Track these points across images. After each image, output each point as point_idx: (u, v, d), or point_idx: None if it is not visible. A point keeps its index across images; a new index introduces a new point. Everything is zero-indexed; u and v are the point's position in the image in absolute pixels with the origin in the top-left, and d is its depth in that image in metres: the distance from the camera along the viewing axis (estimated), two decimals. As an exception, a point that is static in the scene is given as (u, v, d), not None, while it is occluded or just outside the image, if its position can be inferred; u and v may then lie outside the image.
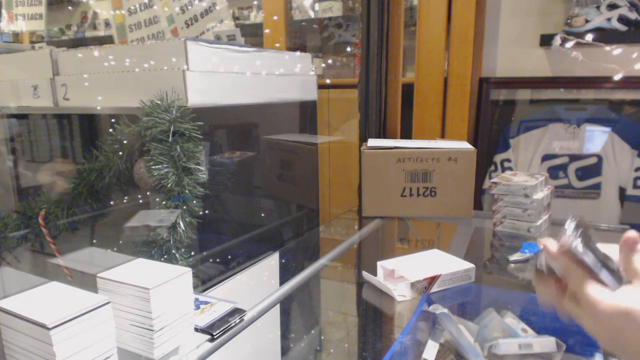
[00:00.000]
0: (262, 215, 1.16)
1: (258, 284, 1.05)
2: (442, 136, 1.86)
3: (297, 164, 1.28)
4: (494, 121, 1.92)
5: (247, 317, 0.75)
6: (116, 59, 0.92)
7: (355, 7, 2.45)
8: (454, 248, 1.08)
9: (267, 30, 2.37)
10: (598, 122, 1.73)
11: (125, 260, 0.66)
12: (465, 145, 1.28)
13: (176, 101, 0.84)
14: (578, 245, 0.45)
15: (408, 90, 1.79)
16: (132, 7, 1.25)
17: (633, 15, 1.61)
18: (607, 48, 1.67)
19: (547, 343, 0.77)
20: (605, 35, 1.64)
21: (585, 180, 1.74)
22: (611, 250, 0.47)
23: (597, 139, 1.72)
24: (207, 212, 0.87)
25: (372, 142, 1.33)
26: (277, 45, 2.33)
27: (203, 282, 0.92)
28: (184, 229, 0.81)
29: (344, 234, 1.36)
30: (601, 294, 0.43)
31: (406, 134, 1.77)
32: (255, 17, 2.71)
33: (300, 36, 2.69)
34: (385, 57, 1.51)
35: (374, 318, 0.88)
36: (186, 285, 0.64)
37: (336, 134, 2.22)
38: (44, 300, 0.55)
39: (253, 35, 2.64)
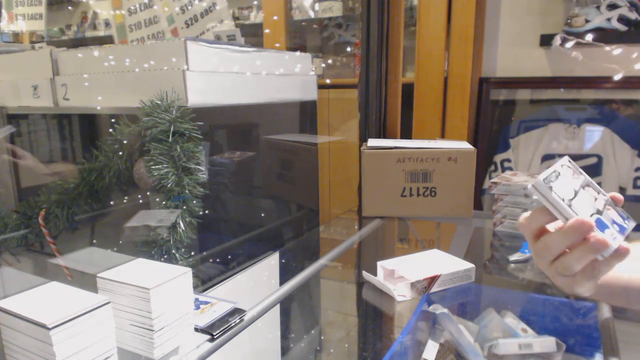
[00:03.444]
0: (262, 215, 1.16)
1: (258, 284, 1.05)
2: (442, 136, 1.86)
3: (297, 164, 1.28)
4: (494, 121, 1.92)
5: (247, 317, 0.75)
6: (116, 59, 0.92)
7: (355, 7, 2.45)
8: (454, 248, 1.08)
9: (267, 30, 2.37)
10: (598, 122, 1.73)
11: (125, 260, 0.66)
12: (465, 145, 1.28)
13: (176, 101, 0.84)
14: None
15: (408, 90, 1.79)
16: (132, 7, 1.25)
17: (633, 15, 1.61)
18: (607, 48, 1.67)
19: (547, 343, 0.77)
20: (605, 35, 1.64)
21: (586, 180, 1.73)
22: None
23: (597, 139, 1.72)
24: (207, 212, 0.87)
25: (372, 142, 1.33)
26: (277, 45, 2.33)
27: (203, 282, 0.92)
28: (184, 229, 0.81)
29: (344, 234, 1.36)
30: None
31: (406, 134, 1.77)
32: (255, 17, 2.71)
33: (300, 36, 2.69)
34: (385, 57, 1.51)
35: (374, 318, 0.88)
36: (186, 285, 0.64)
37: (336, 134, 2.22)
38: (44, 300, 0.55)
39: (253, 35, 2.64)
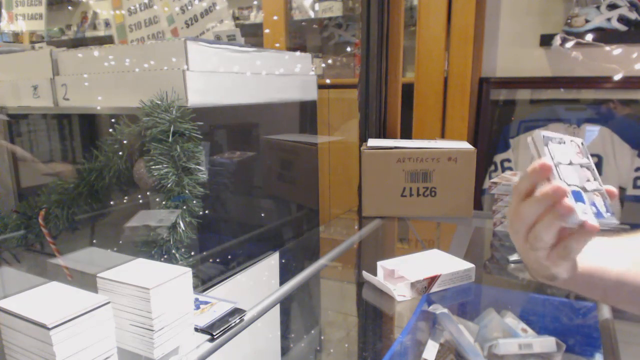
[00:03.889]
0: (262, 215, 1.16)
1: (258, 284, 1.05)
2: (442, 136, 1.86)
3: (297, 164, 1.28)
4: (494, 121, 1.92)
5: (247, 317, 0.75)
6: (116, 59, 0.92)
7: (355, 7, 2.45)
8: (454, 248, 1.08)
9: (267, 30, 2.37)
10: (598, 122, 1.73)
11: (125, 260, 0.66)
12: (465, 145, 1.28)
13: (176, 101, 0.84)
14: None
15: (408, 90, 1.79)
16: (132, 7, 1.25)
17: (633, 15, 1.61)
18: (607, 48, 1.67)
19: (547, 343, 0.77)
20: (605, 35, 1.64)
21: (585, 180, 1.73)
22: None
23: (597, 139, 1.72)
24: (207, 212, 0.87)
25: (372, 142, 1.33)
26: (277, 45, 2.33)
27: (203, 282, 0.92)
28: (184, 229, 0.81)
29: (344, 234, 1.36)
30: None
31: (406, 134, 1.77)
32: (255, 17, 2.71)
33: (300, 36, 2.69)
34: (385, 57, 1.51)
35: (374, 318, 0.88)
36: (186, 285, 0.64)
37: (336, 134, 2.22)
38: (44, 300, 0.55)
39: (253, 35, 2.64)
